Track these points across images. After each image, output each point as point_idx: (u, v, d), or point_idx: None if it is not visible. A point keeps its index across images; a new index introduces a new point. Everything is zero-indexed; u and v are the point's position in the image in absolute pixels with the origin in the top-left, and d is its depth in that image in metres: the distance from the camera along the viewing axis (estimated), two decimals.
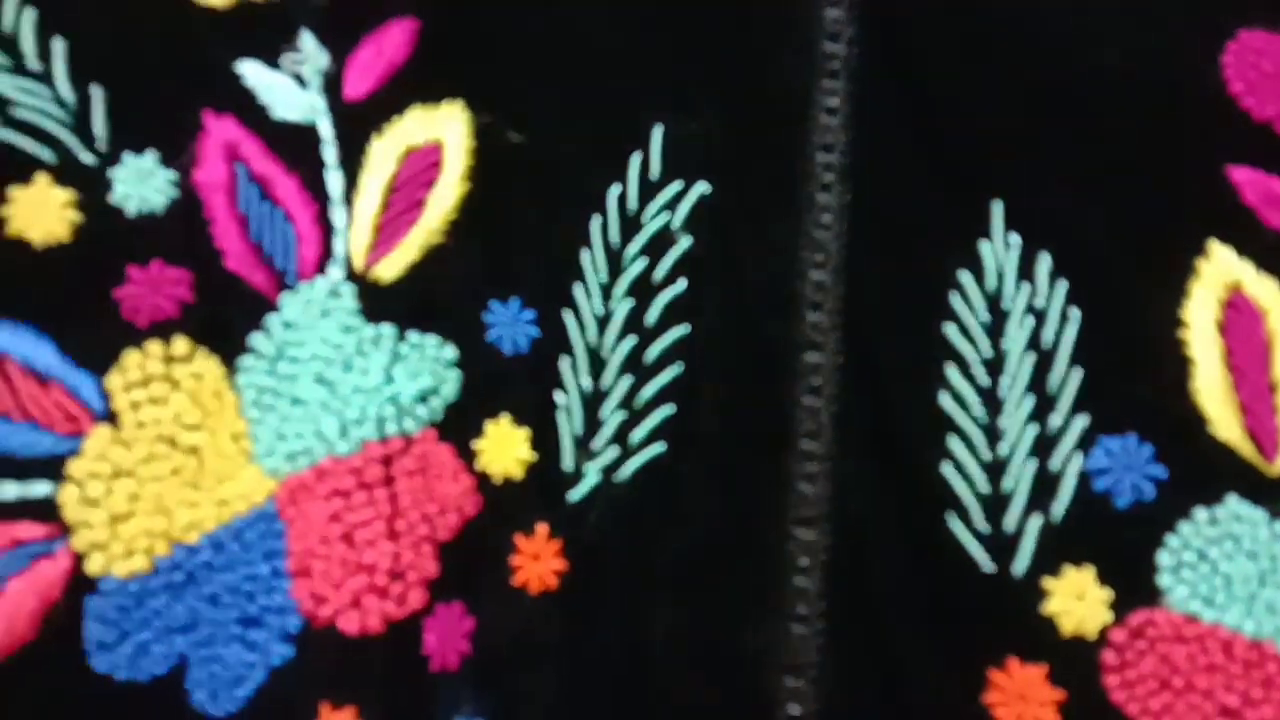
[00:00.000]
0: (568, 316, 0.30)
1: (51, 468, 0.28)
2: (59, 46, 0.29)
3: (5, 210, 0.28)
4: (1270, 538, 0.28)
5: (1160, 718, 0.27)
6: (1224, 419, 0.29)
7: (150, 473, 0.28)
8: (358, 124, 0.31)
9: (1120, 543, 0.28)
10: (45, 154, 0.29)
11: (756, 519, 0.29)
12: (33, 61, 0.29)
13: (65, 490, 0.28)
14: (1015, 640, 0.28)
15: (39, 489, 0.28)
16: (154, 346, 0.28)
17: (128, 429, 0.28)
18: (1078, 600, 0.28)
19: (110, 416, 0.28)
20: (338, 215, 0.30)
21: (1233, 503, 0.28)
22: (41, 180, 0.29)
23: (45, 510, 0.27)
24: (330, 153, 0.30)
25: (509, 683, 0.29)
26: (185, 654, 0.27)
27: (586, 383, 0.30)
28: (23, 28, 0.29)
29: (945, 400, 0.29)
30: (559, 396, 0.29)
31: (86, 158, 0.29)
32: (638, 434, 0.29)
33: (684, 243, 0.30)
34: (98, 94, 0.29)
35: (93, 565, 0.27)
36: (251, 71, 0.30)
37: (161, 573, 0.27)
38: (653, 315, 0.30)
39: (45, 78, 0.29)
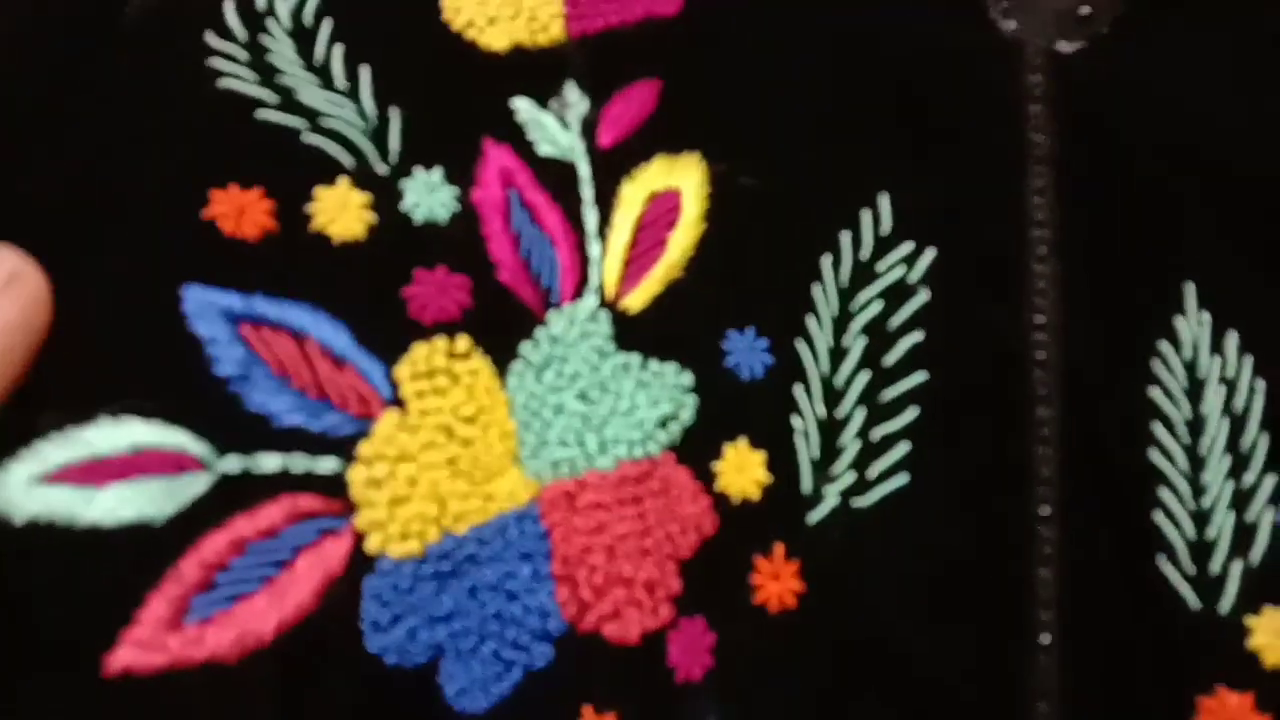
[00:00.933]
0: (801, 346, 0.32)
1: (341, 446, 0.29)
2: (364, 72, 0.31)
3: (311, 207, 0.30)
4: None
5: None
6: None
7: (428, 460, 0.29)
8: (609, 168, 0.33)
9: None
10: (347, 160, 0.31)
11: (1001, 554, 0.31)
12: (340, 82, 0.31)
13: (354, 470, 0.28)
14: (1223, 671, 0.30)
15: (327, 465, 0.28)
16: (440, 342, 0.30)
17: (413, 416, 0.29)
18: (1278, 636, 0.30)
19: (397, 403, 0.29)
20: (593, 248, 0.32)
21: None
22: (343, 183, 0.30)
23: (332, 487, 0.28)
24: (587, 191, 0.33)
25: (750, 695, 0.30)
26: (443, 645, 0.28)
27: (821, 410, 0.32)
28: (333, 57, 0.31)
29: (1154, 455, 0.32)
30: (796, 421, 0.31)
31: (381, 168, 0.31)
32: (878, 466, 0.31)
33: (922, 295, 0.33)
34: (394, 114, 0.31)
35: (371, 544, 0.28)
36: (524, 108, 0.33)
37: (430, 560, 0.28)
38: (890, 359, 0.32)
39: (352, 95, 0.31)
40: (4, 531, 0.26)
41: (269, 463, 0.28)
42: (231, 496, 0.27)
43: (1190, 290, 0.33)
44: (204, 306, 0.28)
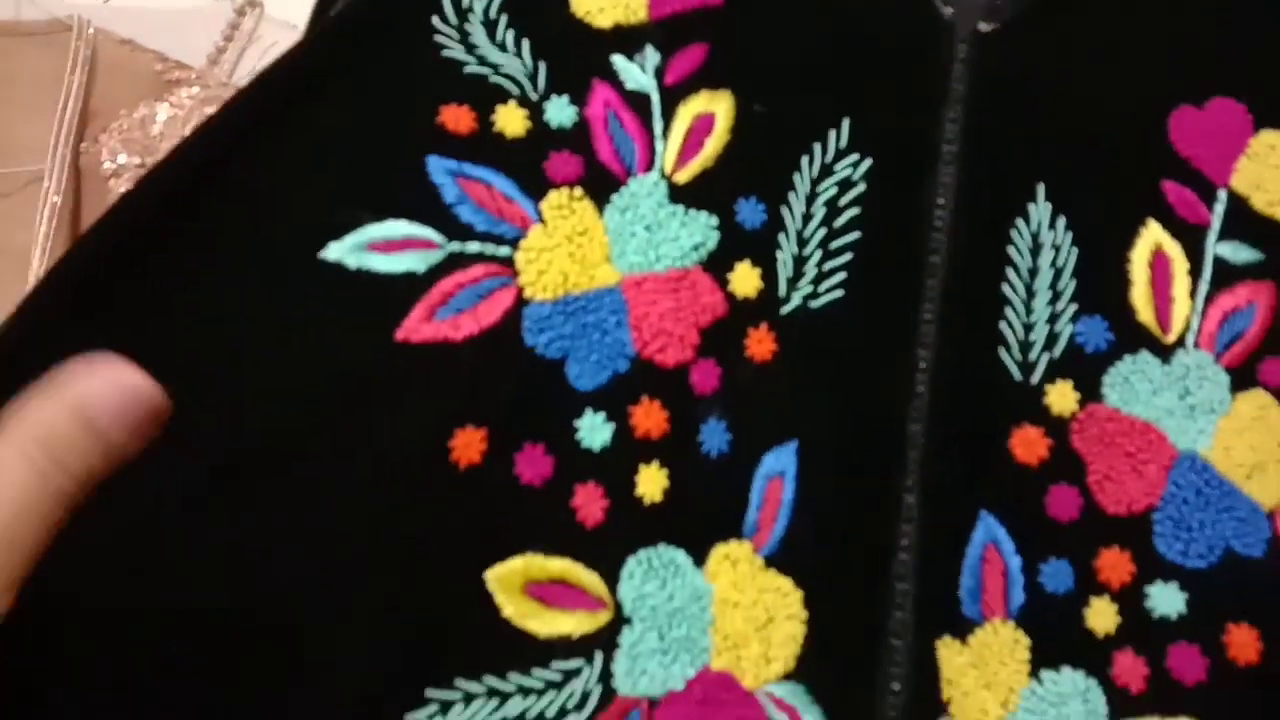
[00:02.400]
0: (784, 210, 0.51)
1: (512, 241, 0.49)
2: (525, 43, 0.51)
3: (495, 117, 0.50)
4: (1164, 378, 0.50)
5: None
6: (1144, 306, 0.51)
7: (561, 251, 0.49)
8: (670, 98, 0.53)
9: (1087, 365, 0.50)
10: (515, 90, 0.51)
11: (895, 338, 0.50)
12: (511, 49, 0.51)
13: (519, 253, 0.49)
14: (1028, 415, 0.50)
15: (503, 250, 0.49)
16: (565, 190, 0.50)
17: (550, 228, 0.50)
18: (1061, 397, 0.50)
19: (542, 222, 0.50)
20: (659, 144, 0.52)
21: (1144, 355, 0.51)
22: (512, 104, 0.51)
23: (507, 262, 0.49)
24: (657, 110, 0.53)
25: (739, 405, 0.49)
26: (568, 350, 0.48)
27: (794, 249, 0.51)
28: (507, 36, 0.52)
29: (1005, 288, 0.51)
30: (778, 254, 0.51)
31: (534, 95, 0.51)
32: (826, 283, 0.51)
33: (860, 186, 0.52)
34: (541, 65, 0.51)
35: (528, 293, 0.48)
36: (618, 60, 0.53)
37: (560, 304, 0.48)
38: (838, 222, 0.51)
39: (519, 55, 0.51)
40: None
41: (473, 247, 0.49)
42: (454, 262, 0.48)
43: (1041, 188, 0.53)
44: (438, 167, 0.49)
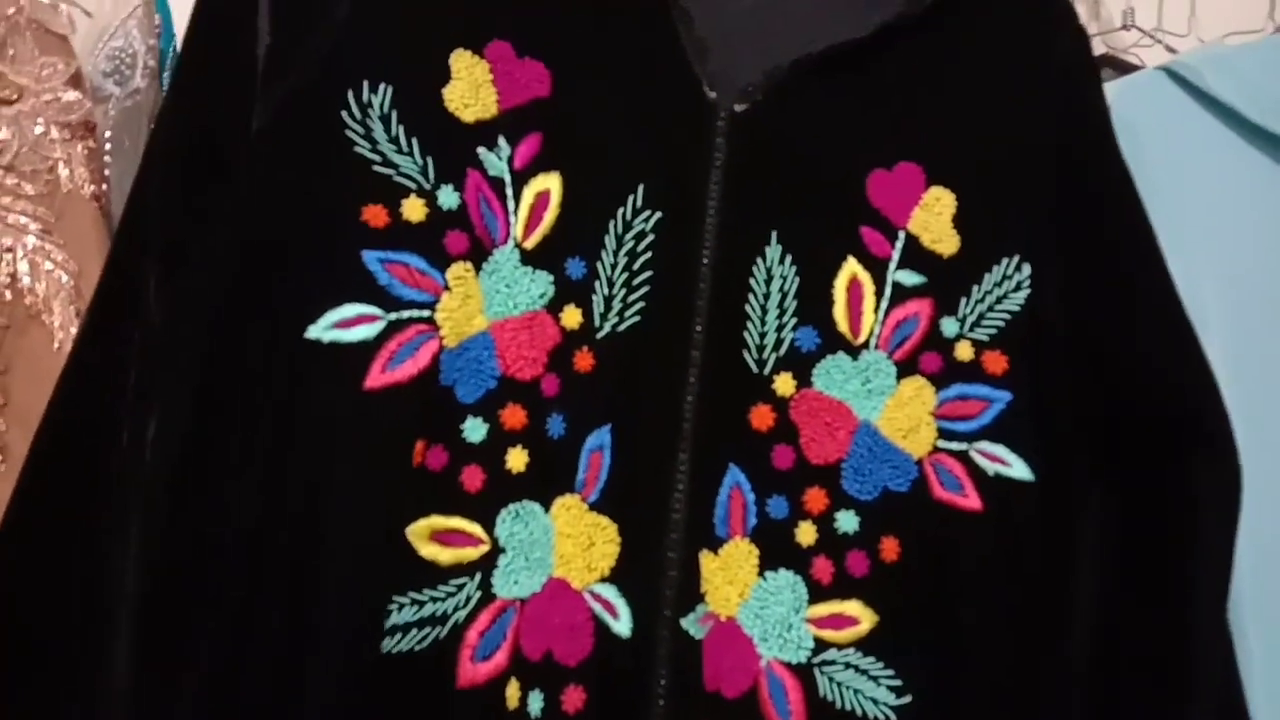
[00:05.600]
0: (597, 263, 0.74)
1: (430, 305, 0.70)
2: (414, 141, 0.73)
3: (402, 209, 0.72)
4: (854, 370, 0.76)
5: None
6: (842, 319, 0.76)
7: (460, 310, 0.72)
8: (519, 180, 0.73)
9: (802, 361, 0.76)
10: (413, 185, 0.71)
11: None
12: (404, 146, 0.73)
13: (437, 314, 0.70)
14: (762, 398, 0.75)
15: (424, 314, 0.70)
16: (459, 264, 0.73)
17: (454, 294, 0.71)
18: (785, 383, 0.75)
19: (448, 287, 0.71)
20: (512, 219, 0.74)
21: (840, 354, 0.76)
22: (412, 196, 0.71)
23: (430, 322, 0.70)
24: (510, 192, 0.75)
25: (580, 402, 0.74)
26: (456, 380, 0.73)
27: (606, 292, 0.75)
28: (399, 133, 0.73)
29: (747, 307, 0.76)
30: (593, 297, 0.74)
31: (426, 185, 0.71)
32: (627, 314, 0.75)
33: (650, 236, 0.74)
34: (429, 160, 0.72)
35: (445, 343, 0.71)
36: (482, 153, 0.74)
37: (456, 350, 0.72)
38: (636, 265, 0.75)
39: (410, 153, 0.72)
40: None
41: (405, 314, 0.70)
42: (394, 327, 0.70)
43: (774, 234, 0.76)
44: (370, 258, 0.70)
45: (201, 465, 0.69)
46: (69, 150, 0.90)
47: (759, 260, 0.75)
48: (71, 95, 0.91)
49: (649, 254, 0.74)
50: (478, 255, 0.72)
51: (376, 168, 0.72)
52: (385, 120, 0.72)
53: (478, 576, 0.71)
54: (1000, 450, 0.76)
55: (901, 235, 0.77)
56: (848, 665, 0.73)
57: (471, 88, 0.73)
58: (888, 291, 0.76)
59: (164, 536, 0.69)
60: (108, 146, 0.94)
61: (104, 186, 0.92)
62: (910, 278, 0.77)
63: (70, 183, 0.87)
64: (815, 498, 0.74)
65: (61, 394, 0.74)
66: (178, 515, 0.69)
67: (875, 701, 0.73)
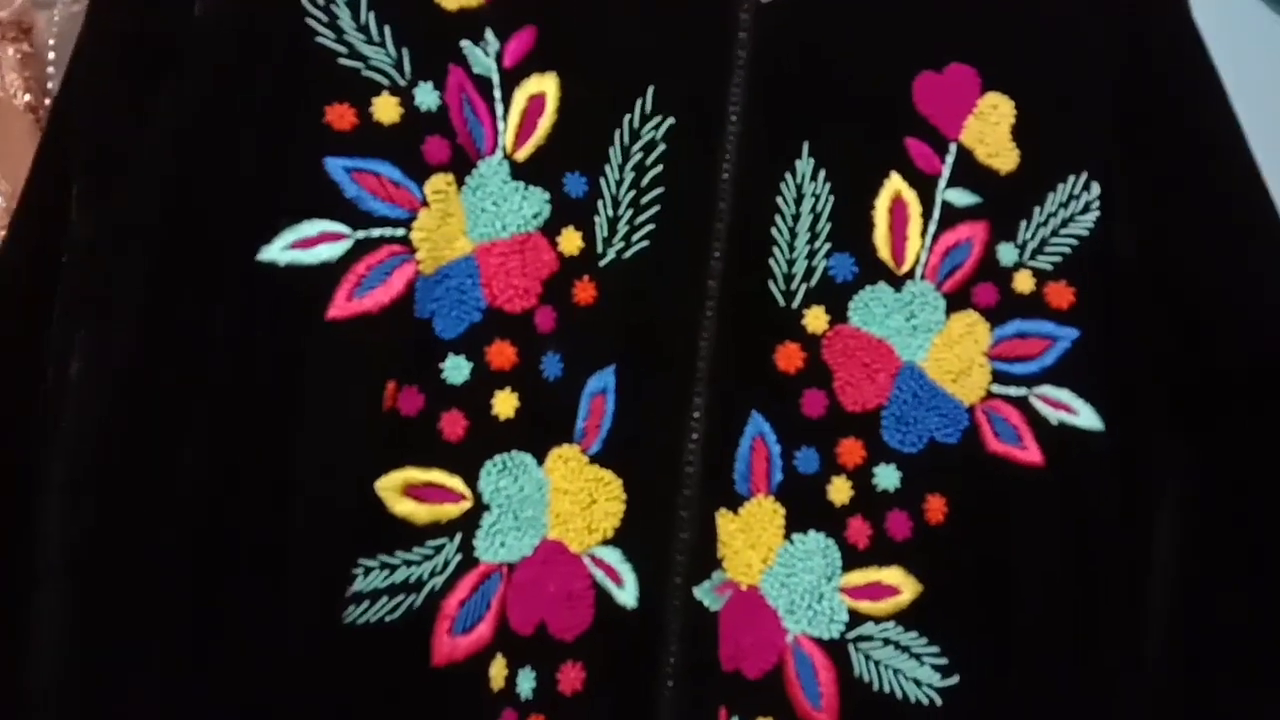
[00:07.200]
0: (600, 179, 0.65)
1: (406, 223, 0.61)
2: (388, 30, 0.62)
3: (372, 109, 0.61)
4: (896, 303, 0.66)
5: None
6: (884, 245, 0.66)
7: (440, 230, 0.61)
8: (509, 81, 0.65)
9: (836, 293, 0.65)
10: (385, 81, 0.62)
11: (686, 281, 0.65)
12: (375, 37, 0.62)
13: (413, 233, 0.61)
14: (790, 334, 0.65)
15: (399, 232, 0.60)
16: (439, 175, 0.62)
17: (433, 211, 0.61)
18: (816, 319, 0.65)
19: (426, 203, 0.61)
20: (501, 125, 0.65)
21: (881, 285, 0.66)
22: (385, 94, 0.62)
23: (405, 241, 0.61)
24: (498, 94, 0.65)
25: (579, 340, 0.64)
26: (435, 311, 0.62)
27: (610, 213, 0.65)
28: (370, 21, 0.62)
29: (773, 230, 0.65)
30: (596, 219, 0.65)
31: (401, 82, 0.61)
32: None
33: (661, 146, 0.65)
34: (405, 53, 0.62)
35: (422, 268, 0.61)
36: (466, 46, 0.64)
37: (435, 276, 0.62)
38: (645, 180, 0.65)
39: (383, 45, 0.62)
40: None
41: (375, 233, 0.61)
42: (363, 247, 0.61)
43: (806, 145, 0.66)
44: (334, 166, 0.61)
45: (139, 408, 0.59)
46: None
47: (788, 176, 0.65)
48: None
49: (659, 168, 0.65)
50: (461, 167, 0.63)
51: (342, 60, 0.62)
52: (353, 4, 0.62)
53: (458, 537, 0.61)
54: (1065, 395, 0.66)
55: (953, 148, 0.67)
56: (886, 641, 0.64)
57: None
58: (936, 213, 0.67)
59: (98, 496, 0.59)
60: (51, 56, 0.83)
61: (44, 100, 0.81)
62: (962, 197, 0.67)
63: (1, 90, 0.76)
64: (850, 450, 0.65)
65: None
66: (108, 471, 0.59)
67: (918, 683, 0.63)
